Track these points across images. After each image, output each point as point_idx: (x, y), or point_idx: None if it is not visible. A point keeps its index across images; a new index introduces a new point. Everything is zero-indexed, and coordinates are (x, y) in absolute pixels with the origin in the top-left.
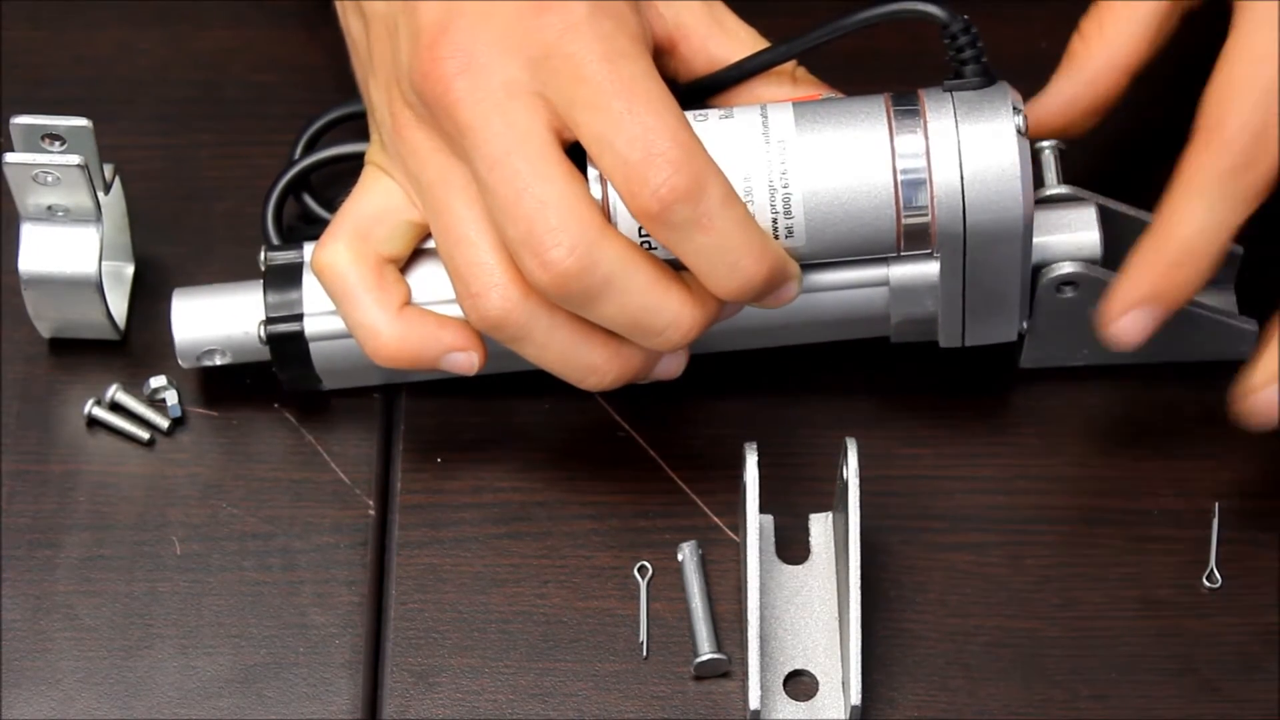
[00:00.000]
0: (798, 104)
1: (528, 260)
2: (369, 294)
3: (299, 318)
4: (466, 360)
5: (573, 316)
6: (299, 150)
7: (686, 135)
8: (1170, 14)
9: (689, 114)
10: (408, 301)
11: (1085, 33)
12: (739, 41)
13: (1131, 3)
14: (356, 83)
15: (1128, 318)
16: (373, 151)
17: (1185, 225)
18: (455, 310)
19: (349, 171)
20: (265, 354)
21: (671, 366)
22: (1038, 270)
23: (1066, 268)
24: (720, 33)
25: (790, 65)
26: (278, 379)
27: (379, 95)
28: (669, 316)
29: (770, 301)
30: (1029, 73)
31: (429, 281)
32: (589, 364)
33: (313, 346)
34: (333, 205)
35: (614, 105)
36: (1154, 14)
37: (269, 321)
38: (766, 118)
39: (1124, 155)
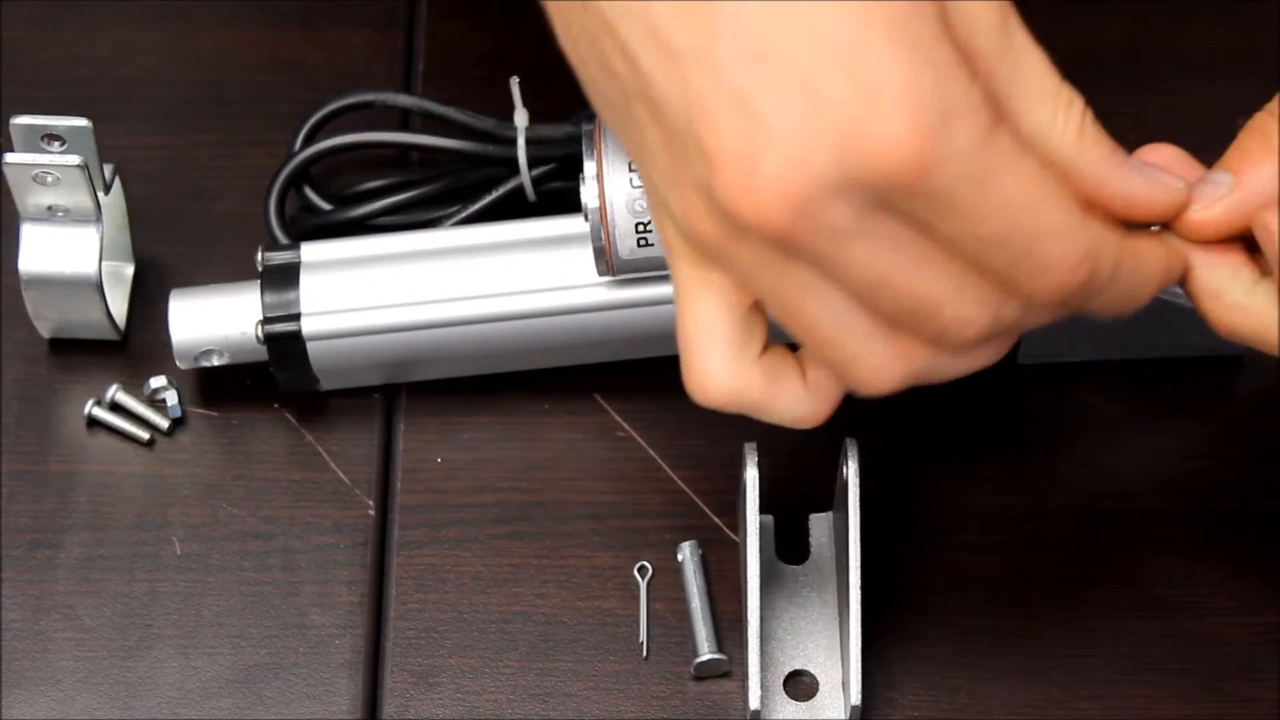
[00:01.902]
0: None
1: None
2: (784, 391)
3: (296, 317)
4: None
5: None
6: (299, 142)
7: None
8: None
9: None
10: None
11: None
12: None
13: None
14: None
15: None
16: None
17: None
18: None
19: (348, 162)
20: (263, 354)
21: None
22: None
23: None
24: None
25: None
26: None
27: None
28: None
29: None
30: None
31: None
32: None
33: (310, 346)
34: (333, 197)
35: None
36: None
37: (266, 321)
38: None
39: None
